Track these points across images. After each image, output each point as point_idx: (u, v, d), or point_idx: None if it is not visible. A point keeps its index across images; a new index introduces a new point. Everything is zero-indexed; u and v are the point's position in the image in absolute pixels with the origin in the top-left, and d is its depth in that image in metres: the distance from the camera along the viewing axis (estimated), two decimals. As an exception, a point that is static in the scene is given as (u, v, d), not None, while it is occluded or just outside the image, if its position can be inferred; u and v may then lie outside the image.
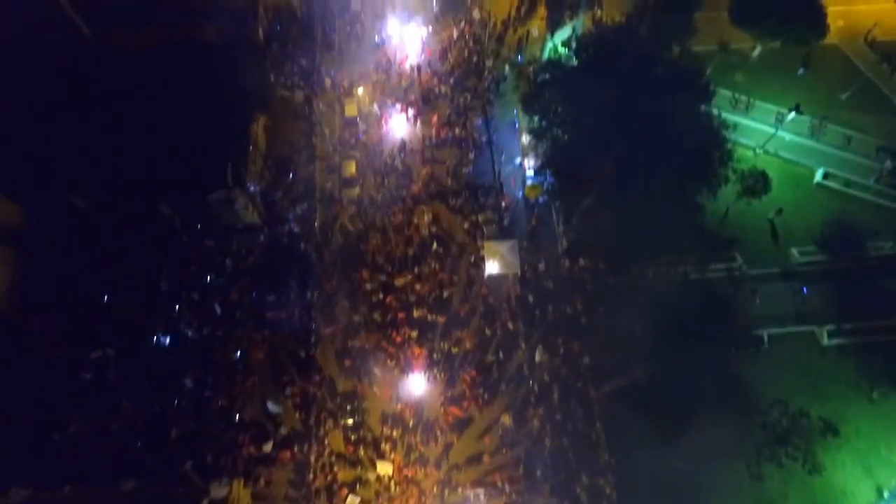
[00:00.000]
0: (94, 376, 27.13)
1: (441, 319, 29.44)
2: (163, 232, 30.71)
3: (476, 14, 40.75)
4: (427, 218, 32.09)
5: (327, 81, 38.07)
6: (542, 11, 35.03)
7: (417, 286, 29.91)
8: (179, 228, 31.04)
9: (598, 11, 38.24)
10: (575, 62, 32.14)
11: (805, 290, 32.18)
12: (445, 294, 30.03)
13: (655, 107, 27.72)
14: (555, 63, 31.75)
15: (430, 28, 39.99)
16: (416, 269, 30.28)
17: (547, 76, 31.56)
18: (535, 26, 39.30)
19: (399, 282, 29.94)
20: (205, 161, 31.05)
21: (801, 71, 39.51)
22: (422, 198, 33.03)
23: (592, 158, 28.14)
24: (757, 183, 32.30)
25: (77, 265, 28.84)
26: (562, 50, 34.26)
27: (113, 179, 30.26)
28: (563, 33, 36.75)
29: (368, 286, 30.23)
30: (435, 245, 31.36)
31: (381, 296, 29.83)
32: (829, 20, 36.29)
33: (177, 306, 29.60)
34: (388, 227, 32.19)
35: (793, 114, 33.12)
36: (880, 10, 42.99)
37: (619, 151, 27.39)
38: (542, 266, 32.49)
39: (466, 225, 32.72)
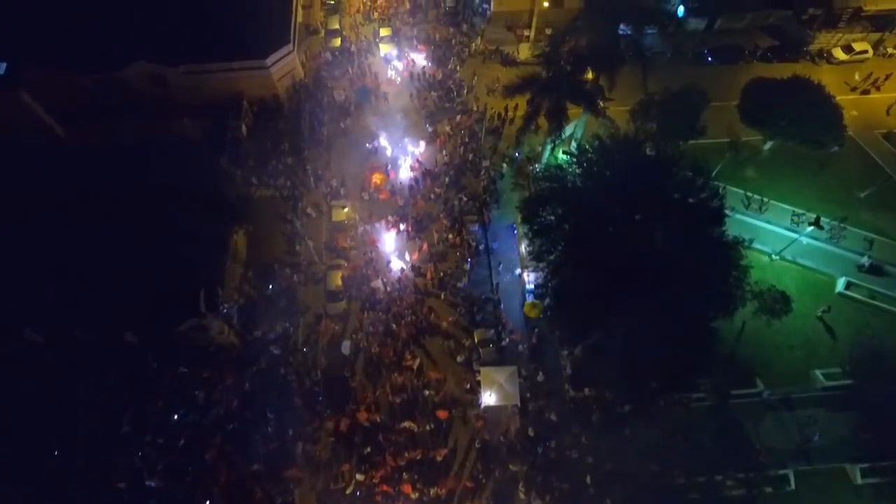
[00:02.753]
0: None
1: (440, 492, 26.39)
2: (127, 365, 27.97)
3: (473, 107, 38.89)
4: (417, 362, 29.26)
5: (313, 181, 35.82)
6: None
7: (408, 454, 26.86)
8: (146, 359, 28.32)
9: (602, 103, 35.92)
10: (576, 170, 29.94)
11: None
12: (439, 458, 27.01)
13: (664, 228, 25.44)
14: (554, 174, 29.40)
15: (426, 125, 38.17)
16: (406, 424, 27.36)
17: (545, 187, 29.34)
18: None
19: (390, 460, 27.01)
20: (179, 281, 28.53)
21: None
22: (413, 335, 30.24)
23: (596, 287, 25.66)
24: (776, 303, 29.87)
25: (27, 412, 25.97)
26: (562, 157, 32.14)
27: (74, 308, 27.53)
28: (565, 134, 34.53)
29: (355, 438, 27.33)
30: (427, 392, 28.54)
31: (368, 448, 26.84)
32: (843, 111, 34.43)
33: (140, 452, 26.64)
34: (376, 359, 29.44)
35: (811, 228, 30.72)
36: (893, 97, 41.15)
37: (626, 279, 24.91)
38: (543, 394, 29.68)
39: (461, 358, 29.93)
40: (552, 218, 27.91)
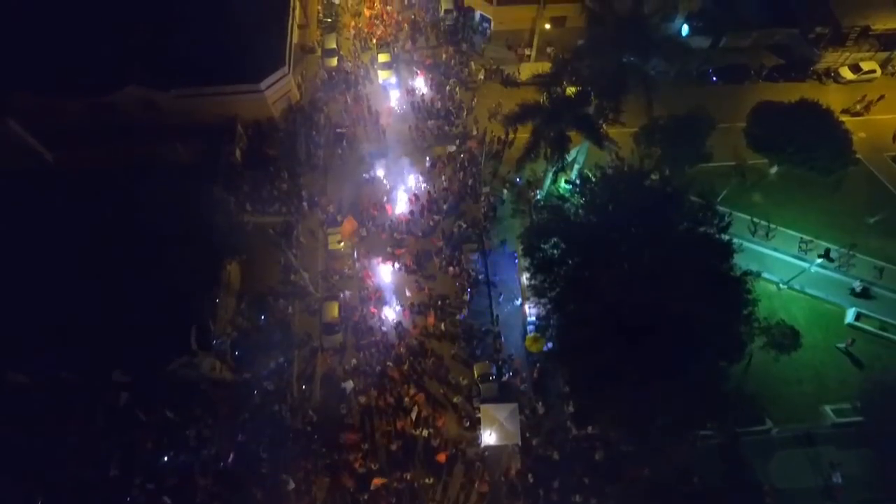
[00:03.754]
0: None
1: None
2: (115, 404, 27.08)
3: (472, 130, 37.92)
4: (416, 409, 28.15)
5: (308, 206, 34.88)
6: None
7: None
8: (135, 398, 27.43)
9: (606, 127, 34.80)
10: (579, 200, 29.04)
11: None
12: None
13: (671, 268, 24.54)
14: (556, 206, 28.54)
15: (425, 156, 37.18)
16: (404, 475, 26.38)
17: (546, 218, 28.47)
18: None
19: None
20: (169, 316, 27.59)
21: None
22: (413, 378, 29.30)
23: (601, 327, 24.76)
24: (785, 338, 28.97)
25: (10, 455, 25.04)
26: (564, 187, 31.22)
27: (59, 347, 26.52)
28: (567, 159, 33.54)
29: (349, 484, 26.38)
30: (427, 433, 27.59)
31: (364, 495, 25.91)
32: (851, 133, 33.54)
33: (128, 497, 25.73)
34: (373, 403, 28.50)
35: (820, 259, 29.85)
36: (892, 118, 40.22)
37: (632, 327, 24.01)
38: (545, 432, 28.80)
39: (458, 399, 29.01)
40: (554, 252, 27.02)
